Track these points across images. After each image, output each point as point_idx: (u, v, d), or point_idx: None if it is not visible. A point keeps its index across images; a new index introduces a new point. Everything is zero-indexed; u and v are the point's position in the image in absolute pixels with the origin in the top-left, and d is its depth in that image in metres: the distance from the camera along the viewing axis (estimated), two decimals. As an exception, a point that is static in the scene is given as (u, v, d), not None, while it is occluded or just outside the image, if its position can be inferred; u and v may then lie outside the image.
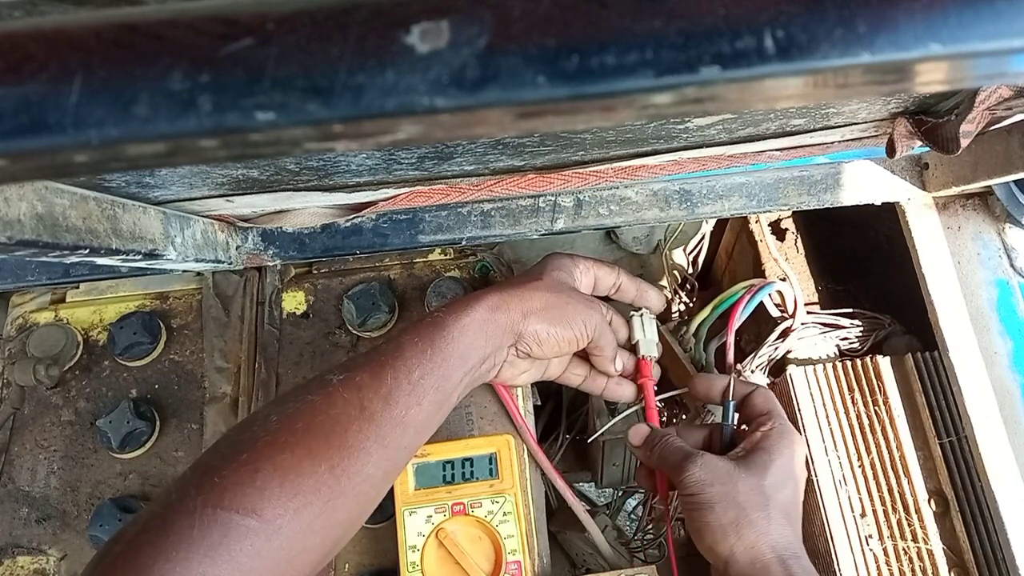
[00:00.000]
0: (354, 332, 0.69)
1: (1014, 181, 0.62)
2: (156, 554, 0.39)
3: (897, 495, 0.60)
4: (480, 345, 0.53)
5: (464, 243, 0.67)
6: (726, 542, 0.52)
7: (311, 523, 0.43)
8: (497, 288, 0.56)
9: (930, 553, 0.58)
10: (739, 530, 0.52)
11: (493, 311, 0.54)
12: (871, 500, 0.60)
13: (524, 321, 0.55)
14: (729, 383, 0.61)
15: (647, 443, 0.60)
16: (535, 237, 0.68)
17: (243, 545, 0.40)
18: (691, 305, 0.90)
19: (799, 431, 0.63)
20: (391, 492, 0.59)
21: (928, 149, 0.51)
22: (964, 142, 0.46)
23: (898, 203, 0.67)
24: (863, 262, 0.79)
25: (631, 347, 0.65)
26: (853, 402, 0.63)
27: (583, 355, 0.64)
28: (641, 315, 0.65)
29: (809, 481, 0.62)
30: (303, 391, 0.48)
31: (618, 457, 0.76)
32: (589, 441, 0.75)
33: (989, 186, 0.63)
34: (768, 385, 0.69)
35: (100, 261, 0.45)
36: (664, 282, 0.90)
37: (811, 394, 0.64)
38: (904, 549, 0.59)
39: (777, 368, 0.70)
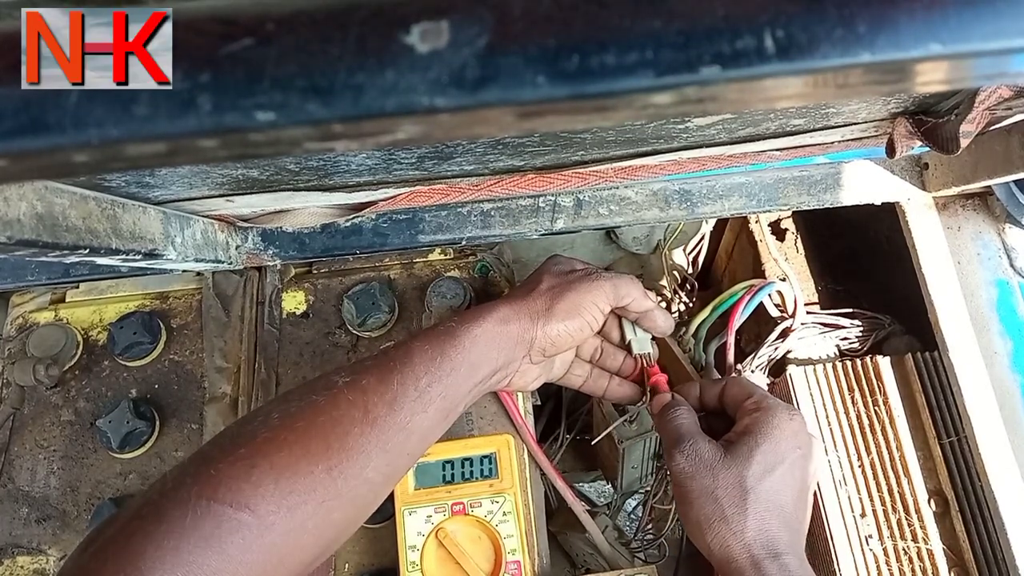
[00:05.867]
0: (354, 332, 0.69)
1: (1014, 181, 0.62)
2: (147, 541, 0.39)
3: (897, 495, 0.60)
4: (492, 357, 0.53)
5: (464, 243, 0.67)
6: (703, 539, 0.51)
7: (304, 522, 0.43)
8: (506, 300, 0.56)
9: (930, 553, 0.58)
10: (713, 527, 0.51)
11: (504, 323, 0.54)
12: (871, 500, 0.60)
13: (534, 327, 0.55)
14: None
15: (662, 411, 0.59)
16: (535, 237, 0.68)
17: (234, 539, 0.40)
18: (691, 305, 0.90)
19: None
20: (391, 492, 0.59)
21: (928, 149, 0.51)
22: (964, 142, 0.46)
23: (898, 203, 0.67)
24: (863, 262, 0.79)
25: (625, 347, 0.65)
26: (853, 402, 0.63)
27: (585, 357, 0.64)
28: None
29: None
30: (308, 390, 0.48)
31: (636, 460, 0.76)
32: (593, 443, 0.75)
33: (989, 186, 0.63)
34: (768, 385, 0.69)
35: (100, 261, 0.45)
36: (664, 282, 0.90)
37: (811, 394, 0.64)
38: (904, 549, 0.59)
39: (777, 368, 0.70)
